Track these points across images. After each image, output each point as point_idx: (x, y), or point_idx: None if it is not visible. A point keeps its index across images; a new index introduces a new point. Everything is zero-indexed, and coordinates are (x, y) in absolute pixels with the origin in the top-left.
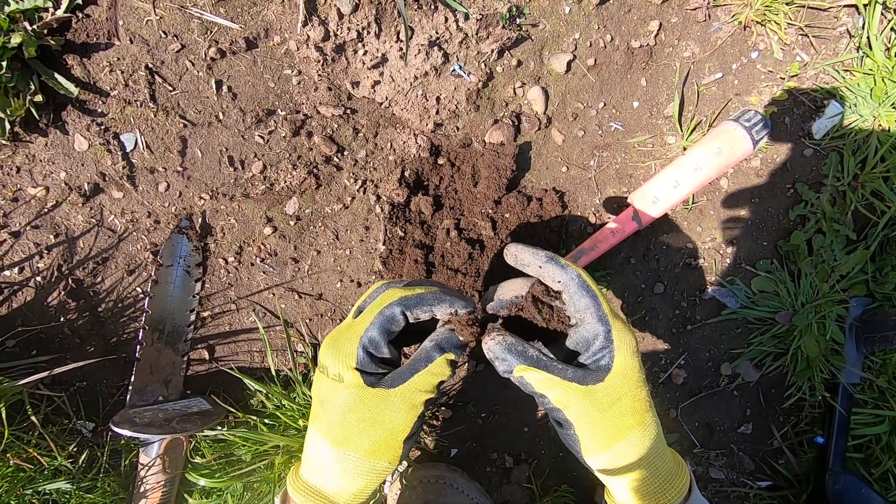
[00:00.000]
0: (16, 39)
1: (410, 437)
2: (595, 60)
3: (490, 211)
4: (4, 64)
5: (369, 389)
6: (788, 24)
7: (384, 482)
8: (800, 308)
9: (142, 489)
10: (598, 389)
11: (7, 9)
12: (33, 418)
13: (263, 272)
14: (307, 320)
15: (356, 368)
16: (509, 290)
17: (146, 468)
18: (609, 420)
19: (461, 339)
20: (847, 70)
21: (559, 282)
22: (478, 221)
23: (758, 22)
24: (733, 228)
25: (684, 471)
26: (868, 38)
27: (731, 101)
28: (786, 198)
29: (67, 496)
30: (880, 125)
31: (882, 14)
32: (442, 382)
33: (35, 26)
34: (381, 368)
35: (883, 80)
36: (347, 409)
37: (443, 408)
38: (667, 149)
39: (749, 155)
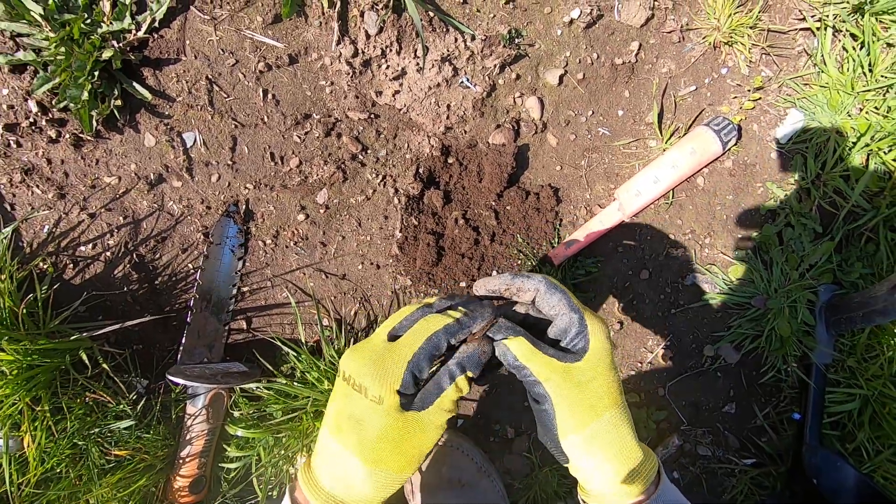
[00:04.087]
0: (106, 54)
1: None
2: (584, 75)
3: (493, 203)
4: (97, 73)
5: (405, 413)
6: (753, 44)
7: None
8: (773, 294)
9: (187, 437)
10: (575, 368)
11: (100, 30)
12: (104, 366)
13: (296, 254)
14: (332, 297)
15: (398, 392)
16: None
17: (192, 418)
18: (586, 398)
19: (481, 357)
20: (806, 84)
21: (529, 290)
22: (482, 212)
23: (725, 43)
24: (710, 222)
25: (653, 458)
26: (823, 56)
27: (704, 111)
28: (757, 195)
29: (127, 435)
30: (837, 131)
31: (833, 36)
32: (462, 398)
33: (121, 44)
34: (416, 390)
35: (838, 91)
36: (384, 432)
37: None
38: (648, 151)
39: (720, 155)
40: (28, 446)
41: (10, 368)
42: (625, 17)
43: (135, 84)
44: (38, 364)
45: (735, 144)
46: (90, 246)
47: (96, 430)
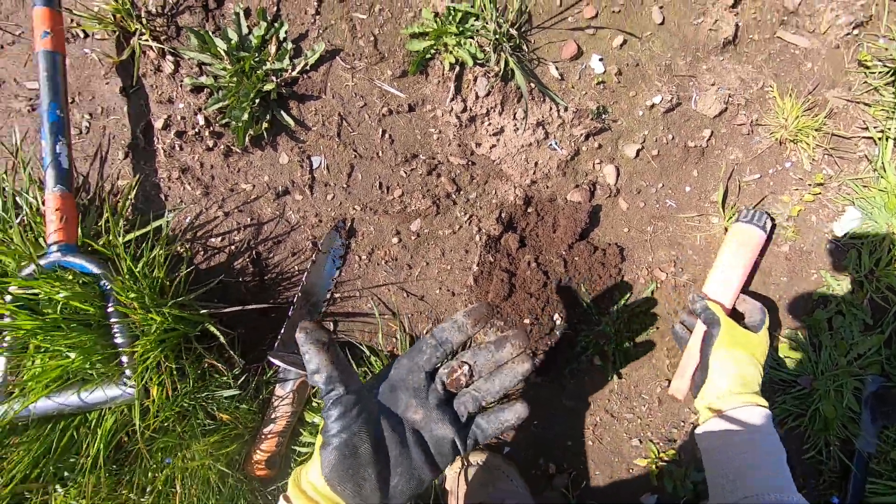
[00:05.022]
0: (267, 87)
1: None
2: (658, 152)
3: (563, 253)
4: (257, 101)
5: None
6: (816, 145)
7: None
8: (820, 376)
9: (272, 416)
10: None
11: (265, 67)
12: (222, 339)
13: (385, 271)
14: (409, 314)
15: None
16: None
17: (279, 399)
18: (743, 338)
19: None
20: (865, 186)
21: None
22: (553, 259)
23: (791, 140)
24: (765, 301)
25: (762, 400)
26: (883, 163)
27: (766, 198)
28: (810, 280)
29: (227, 403)
30: (893, 231)
31: (894, 146)
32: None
33: (278, 79)
34: None
35: (895, 196)
36: None
37: None
38: (710, 226)
39: (764, 238)
40: (152, 397)
41: (155, 329)
42: (700, 107)
43: (282, 112)
44: (172, 329)
45: (773, 225)
46: (219, 238)
47: (204, 394)
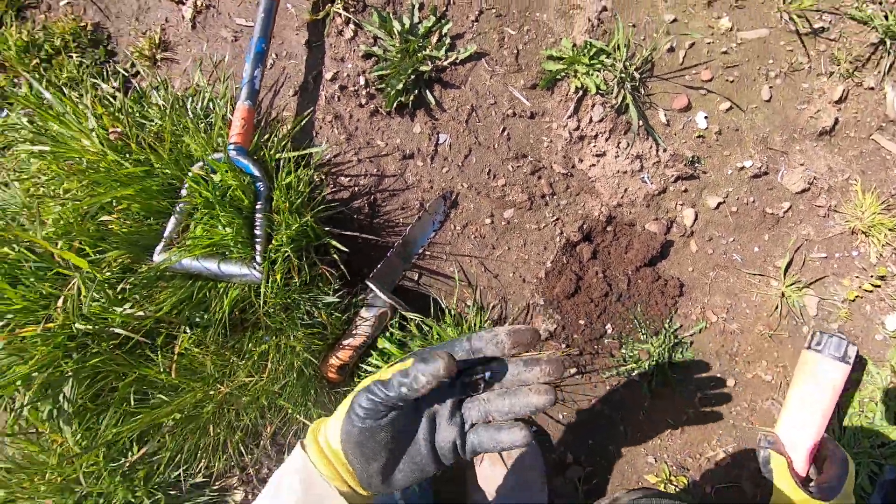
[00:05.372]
0: (423, 68)
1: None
2: (737, 209)
3: (629, 273)
4: (412, 77)
5: None
6: (887, 242)
7: None
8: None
9: (354, 331)
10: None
11: (424, 52)
12: (335, 256)
13: (471, 245)
14: (482, 287)
15: None
16: None
17: (363, 320)
18: None
19: None
20: None
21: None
22: (618, 276)
23: (863, 232)
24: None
25: None
26: None
27: (827, 277)
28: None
29: (325, 308)
30: None
31: None
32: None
33: (433, 65)
34: None
35: None
36: None
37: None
38: (768, 288)
39: (848, 373)
40: (271, 284)
41: (289, 231)
42: (786, 181)
43: (427, 91)
44: (302, 234)
45: (856, 354)
46: (348, 179)
47: (309, 294)
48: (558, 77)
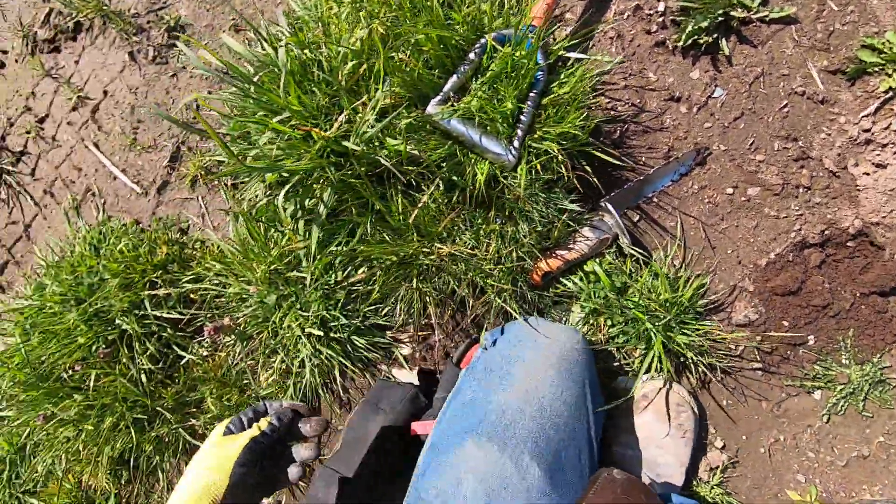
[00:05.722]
0: (735, 13)
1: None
2: None
3: (856, 295)
4: (715, 23)
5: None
6: None
7: None
8: None
9: (569, 245)
10: None
11: (732, 1)
12: (586, 167)
13: (701, 208)
14: (695, 250)
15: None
16: None
17: (583, 238)
18: None
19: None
20: None
21: None
22: (844, 294)
23: None
24: None
25: None
26: None
27: None
28: None
29: (557, 211)
30: None
31: None
32: None
33: (742, 14)
34: None
35: None
36: None
37: None
38: None
39: None
40: (519, 171)
41: (558, 128)
42: None
43: (724, 40)
44: (565, 135)
45: None
46: (606, 99)
47: (547, 194)
48: (868, 70)
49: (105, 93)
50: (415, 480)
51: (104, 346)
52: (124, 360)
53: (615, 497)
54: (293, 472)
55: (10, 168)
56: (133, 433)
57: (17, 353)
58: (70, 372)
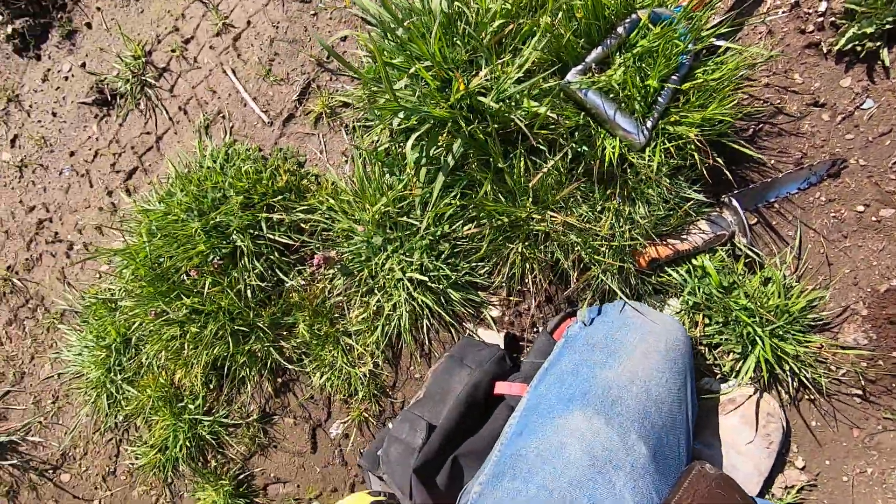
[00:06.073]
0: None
1: None
2: None
3: None
4: (886, 28)
5: None
6: None
7: None
8: None
9: (683, 235)
10: None
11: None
12: (719, 159)
13: (824, 222)
14: (809, 266)
15: None
16: None
17: (698, 231)
18: None
19: None
20: None
21: None
22: None
23: None
24: None
25: None
26: None
27: None
28: None
29: (675, 199)
30: None
31: None
32: None
33: None
34: None
35: None
36: None
37: None
38: None
39: None
40: (645, 154)
41: (699, 113)
42: None
43: (885, 51)
44: (703, 122)
45: None
46: (745, 95)
47: (671, 181)
48: None
49: (248, 23)
50: (509, 439)
51: (218, 257)
52: (234, 275)
53: (710, 491)
54: None
55: (152, 82)
56: (230, 343)
57: (143, 250)
58: (186, 276)
